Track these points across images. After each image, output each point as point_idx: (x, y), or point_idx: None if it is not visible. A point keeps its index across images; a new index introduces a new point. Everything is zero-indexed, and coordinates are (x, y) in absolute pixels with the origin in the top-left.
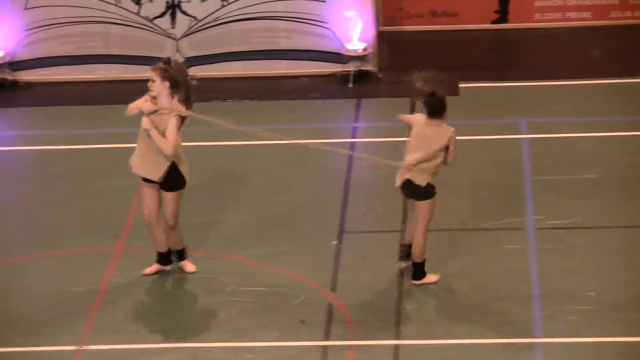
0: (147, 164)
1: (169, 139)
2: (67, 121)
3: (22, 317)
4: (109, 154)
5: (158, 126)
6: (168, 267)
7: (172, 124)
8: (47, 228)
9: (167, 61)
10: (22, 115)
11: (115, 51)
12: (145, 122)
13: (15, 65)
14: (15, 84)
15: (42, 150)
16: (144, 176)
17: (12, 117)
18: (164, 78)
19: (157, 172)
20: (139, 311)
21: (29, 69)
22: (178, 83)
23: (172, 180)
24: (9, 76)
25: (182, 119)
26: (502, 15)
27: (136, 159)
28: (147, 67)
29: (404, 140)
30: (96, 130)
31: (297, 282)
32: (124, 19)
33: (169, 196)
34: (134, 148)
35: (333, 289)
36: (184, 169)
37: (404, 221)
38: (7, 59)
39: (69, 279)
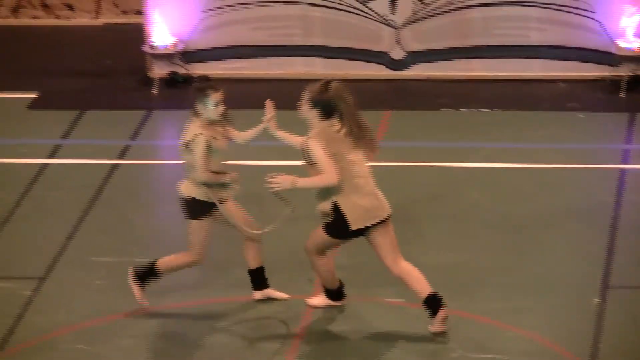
0: None
1: None
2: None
3: None
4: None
5: None
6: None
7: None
8: None
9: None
10: None
11: (316, 41)
12: None
13: (190, 56)
14: (188, 79)
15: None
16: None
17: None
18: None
19: None
20: None
21: (205, 60)
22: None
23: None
24: (182, 69)
25: None
26: None
27: None
28: (358, 63)
29: None
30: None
31: (547, 349)
32: (329, 1)
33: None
34: None
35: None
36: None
37: None
38: (179, 48)
39: None
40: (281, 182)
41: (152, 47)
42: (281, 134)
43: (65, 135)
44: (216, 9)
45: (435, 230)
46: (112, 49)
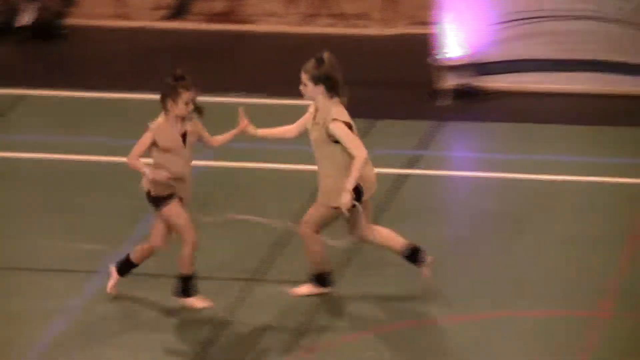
0: None
1: None
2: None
3: None
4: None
5: None
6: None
7: None
8: None
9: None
10: (483, 132)
11: (612, 57)
12: None
13: (479, 68)
14: (478, 92)
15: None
16: None
17: (473, 131)
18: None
19: None
20: None
21: (495, 73)
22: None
23: None
24: (473, 82)
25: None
26: None
27: None
28: None
29: None
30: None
31: None
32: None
33: None
34: None
35: None
36: None
37: None
38: (471, 60)
39: None
40: (346, 204)
41: (441, 59)
42: (263, 132)
43: None
44: (509, 21)
45: None
46: (401, 60)
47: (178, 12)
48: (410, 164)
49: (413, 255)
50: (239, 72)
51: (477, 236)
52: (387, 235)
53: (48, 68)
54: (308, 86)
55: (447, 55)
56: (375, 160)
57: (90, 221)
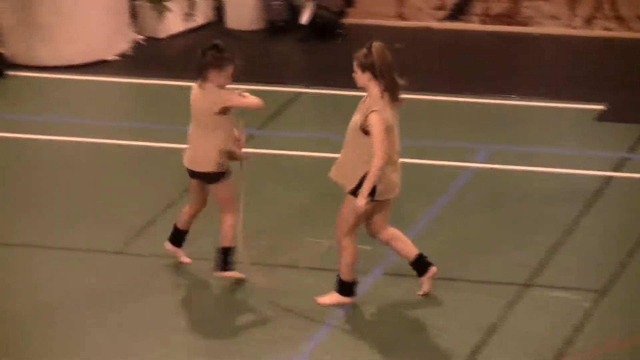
0: None
1: None
2: None
3: None
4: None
5: None
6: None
7: None
8: None
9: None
10: None
11: None
12: None
13: None
14: None
15: None
16: None
17: None
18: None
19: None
20: None
21: None
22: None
23: None
24: None
25: None
26: None
27: None
28: None
29: None
30: None
31: None
32: None
33: None
34: None
35: None
36: None
37: None
38: None
39: None
40: (361, 207)
41: None
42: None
43: (632, 149)
44: None
45: None
46: None
47: (457, 13)
48: None
49: (420, 263)
50: (517, 74)
51: None
52: (400, 239)
53: (325, 66)
54: (357, 72)
55: None
56: None
57: None
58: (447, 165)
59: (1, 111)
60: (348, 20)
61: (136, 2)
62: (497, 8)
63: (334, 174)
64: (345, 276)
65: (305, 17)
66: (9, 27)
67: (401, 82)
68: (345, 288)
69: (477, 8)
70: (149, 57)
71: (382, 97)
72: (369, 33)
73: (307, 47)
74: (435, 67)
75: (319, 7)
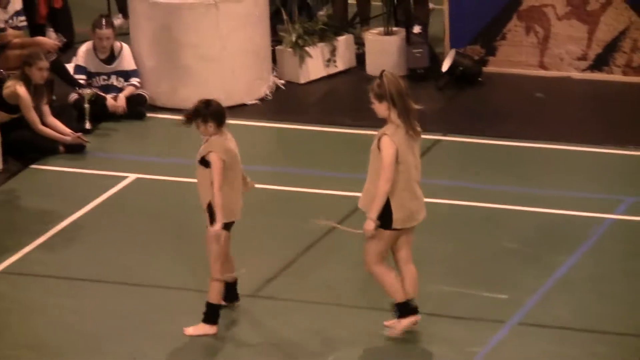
0: None
1: None
2: None
3: None
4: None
5: None
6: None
7: None
8: None
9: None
10: None
11: None
12: None
13: None
14: None
15: None
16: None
17: None
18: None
19: None
20: None
21: None
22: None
23: None
24: None
25: None
26: None
27: None
28: None
29: None
30: None
31: None
32: None
33: None
34: None
35: None
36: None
37: None
38: None
39: None
40: (369, 231)
41: None
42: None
43: None
44: None
45: None
46: None
47: (599, 64)
48: None
49: (404, 308)
50: None
51: None
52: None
53: (464, 114)
54: (374, 104)
55: None
56: None
57: None
58: (586, 216)
59: (139, 153)
60: (489, 69)
61: (277, 48)
62: (639, 60)
63: (360, 203)
64: (399, 297)
65: (446, 65)
66: (151, 68)
67: (417, 107)
68: (405, 308)
69: (620, 59)
70: (288, 101)
71: (397, 124)
72: (509, 82)
73: (447, 95)
74: (575, 116)
75: (459, 54)
